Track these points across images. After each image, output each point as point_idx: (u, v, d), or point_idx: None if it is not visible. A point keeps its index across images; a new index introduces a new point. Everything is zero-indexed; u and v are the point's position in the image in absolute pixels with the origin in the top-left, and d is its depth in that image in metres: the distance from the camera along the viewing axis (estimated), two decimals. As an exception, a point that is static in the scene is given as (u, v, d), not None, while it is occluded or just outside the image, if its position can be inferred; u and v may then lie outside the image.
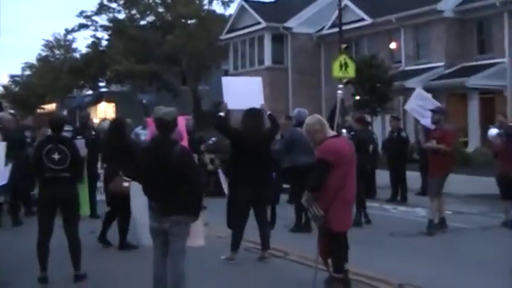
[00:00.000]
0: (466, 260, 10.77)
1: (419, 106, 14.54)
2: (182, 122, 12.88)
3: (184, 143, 11.80)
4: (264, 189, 10.29)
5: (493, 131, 14.26)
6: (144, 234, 8.51)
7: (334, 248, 8.23)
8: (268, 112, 10.69)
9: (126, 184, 10.56)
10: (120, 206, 10.89)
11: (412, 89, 30.06)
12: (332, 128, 9.07)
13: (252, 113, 10.35)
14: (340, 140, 8.39)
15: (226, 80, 11.48)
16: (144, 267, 8.33)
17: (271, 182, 11.09)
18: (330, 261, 8.41)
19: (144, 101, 46.56)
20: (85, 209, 12.27)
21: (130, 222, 10.74)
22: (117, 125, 12.05)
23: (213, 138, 21.34)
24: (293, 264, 10.12)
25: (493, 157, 14.82)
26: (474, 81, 30.60)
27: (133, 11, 53.02)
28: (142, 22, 53.58)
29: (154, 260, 7.50)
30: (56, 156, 8.83)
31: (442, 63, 33.57)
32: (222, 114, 10.52)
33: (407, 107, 14.77)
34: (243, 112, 10.48)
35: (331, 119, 10.45)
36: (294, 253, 10.58)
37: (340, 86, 17.33)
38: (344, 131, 12.58)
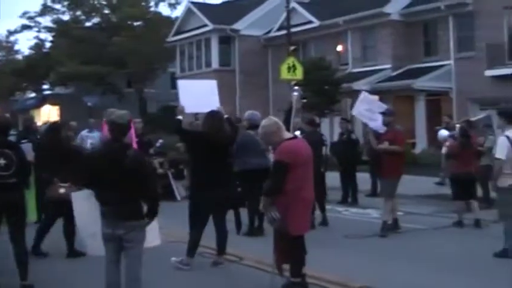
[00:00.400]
0: (421, 259, 10.79)
1: (367, 110, 14.51)
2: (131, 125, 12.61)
3: (134, 146, 11.54)
4: (227, 192, 10.12)
5: (444, 133, 14.33)
6: (89, 243, 8.21)
7: (292, 252, 8.11)
8: (226, 115, 10.51)
9: (62, 190, 10.30)
10: (62, 212, 10.50)
11: (360, 91, 30.52)
12: (288, 130, 8.96)
13: (215, 115, 10.18)
14: (297, 142, 8.30)
15: (182, 83, 11.31)
16: (94, 275, 8.11)
17: (235, 185, 10.92)
18: (287, 265, 8.31)
19: (89, 104, 45.93)
20: (32, 215, 11.90)
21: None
22: (53, 128, 11.66)
23: (161, 141, 21.10)
24: (249, 269, 9.96)
25: (446, 158, 14.90)
26: (420, 83, 30.96)
27: (78, 13, 52.34)
28: (88, 24, 52.97)
29: (107, 267, 7.25)
30: (2, 161, 8.51)
31: (388, 66, 33.89)
32: (180, 117, 10.30)
33: (354, 112, 14.74)
34: (204, 115, 10.30)
35: (287, 121, 10.34)
36: (249, 258, 10.42)
37: (296, 87, 17.28)
38: (298, 132, 12.49)
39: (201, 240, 10.16)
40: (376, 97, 17.50)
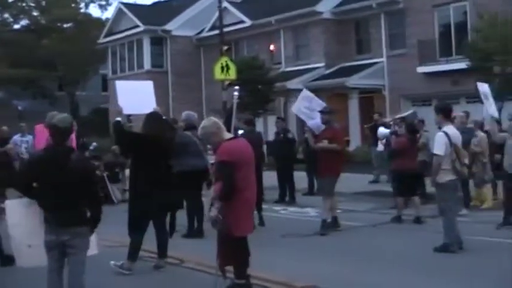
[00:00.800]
0: (362, 257, 10.80)
1: (306, 108, 14.48)
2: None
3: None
4: (169, 195, 9.91)
5: (384, 130, 14.36)
6: (21, 255, 7.86)
7: (235, 253, 7.99)
8: (164, 117, 10.33)
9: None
10: None
11: (294, 90, 30.64)
12: (229, 130, 8.82)
13: (155, 117, 9.99)
14: (238, 142, 8.17)
15: (119, 84, 11.08)
16: (35, 283, 7.86)
17: (175, 188, 10.70)
18: (228, 267, 8.17)
19: (19, 108, 45.01)
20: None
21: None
22: None
23: (94, 144, 20.80)
24: (190, 271, 9.80)
25: (391, 155, 14.94)
26: (354, 81, 31.20)
27: (6, 15, 51.16)
28: (16, 26, 51.87)
29: (49, 277, 6.98)
30: None
31: (322, 64, 34.06)
32: (119, 119, 10.07)
33: (294, 109, 14.69)
34: (137, 116, 10.11)
35: (227, 122, 10.20)
36: (190, 260, 10.26)
37: (236, 87, 17.16)
38: (240, 132, 12.41)
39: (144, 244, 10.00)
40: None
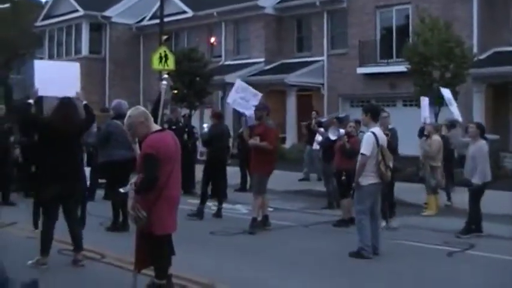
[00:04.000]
0: (293, 259, 10.57)
1: (241, 98, 14.20)
2: None
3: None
4: (76, 184, 9.44)
5: (335, 131, 13.90)
6: None
7: (156, 252, 7.59)
8: (84, 102, 9.81)
9: None
10: None
11: (232, 84, 30.31)
12: (156, 121, 8.38)
13: (66, 103, 9.48)
14: (165, 135, 7.73)
15: (38, 64, 10.48)
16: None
17: (85, 178, 10.24)
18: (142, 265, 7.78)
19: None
20: None
21: None
22: None
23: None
24: (110, 267, 9.39)
25: (349, 155, 14.66)
26: (293, 78, 31.05)
27: None
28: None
29: None
30: None
31: (261, 59, 33.85)
32: (30, 101, 9.55)
33: (229, 100, 14.38)
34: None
35: (154, 113, 9.77)
36: (111, 255, 9.85)
37: (165, 76, 16.76)
38: (205, 125, 12.09)
39: (63, 236, 9.53)
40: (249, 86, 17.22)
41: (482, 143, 12.78)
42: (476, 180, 12.51)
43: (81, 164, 9.91)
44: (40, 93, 9.77)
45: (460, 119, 13.94)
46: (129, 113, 7.85)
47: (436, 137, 15.54)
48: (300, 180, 21.12)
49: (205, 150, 16.57)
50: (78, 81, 10.21)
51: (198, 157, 17.76)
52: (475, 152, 12.58)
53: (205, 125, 23.90)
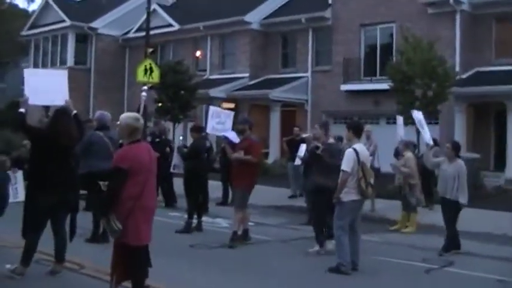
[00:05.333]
0: (269, 273, 10.58)
1: (218, 123, 14.26)
2: None
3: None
4: (70, 194, 9.44)
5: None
6: None
7: (132, 263, 7.58)
8: (74, 111, 9.81)
9: None
10: None
11: (216, 98, 30.41)
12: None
13: (63, 114, 9.49)
14: (139, 146, 7.74)
15: (28, 72, 10.49)
16: None
17: (77, 187, 10.21)
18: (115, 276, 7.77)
19: None
20: None
21: None
22: None
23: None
24: (88, 279, 9.36)
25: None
26: (277, 93, 31.09)
27: None
28: None
29: None
30: None
31: (246, 74, 33.95)
32: (22, 110, 9.52)
33: (208, 129, 14.43)
34: (53, 111, 9.61)
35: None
36: (90, 266, 9.84)
37: (145, 87, 16.80)
38: (181, 137, 12.07)
39: (41, 247, 9.50)
40: (221, 108, 17.28)
41: (462, 162, 12.88)
42: (463, 200, 12.58)
43: (73, 175, 9.84)
44: (30, 102, 9.73)
45: (430, 142, 14.01)
46: (129, 114, 7.92)
47: (409, 154, 15.63)
48: (290, 197, 21.03)
49: (180, 164, 16.59)
50: (67, 89, 10.22)
51: (172, 170, 17.66)
52: (457, 171, 12.60)
53: (181, 137, 23.86)
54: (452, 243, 12.74)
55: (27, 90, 9.85)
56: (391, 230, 15.60)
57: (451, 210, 12.69)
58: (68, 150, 9.46)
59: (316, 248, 12.30)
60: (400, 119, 16.89)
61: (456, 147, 13.06)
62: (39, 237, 9.29)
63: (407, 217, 15.62)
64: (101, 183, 7.72)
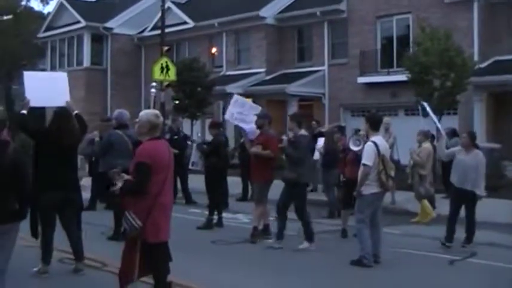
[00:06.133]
0: (293, 268, 10.56)
1: (239, 113, 14.18)
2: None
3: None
4: (73, 193, 9.48)
5: (356, 142, 13.75)
6: None
7: (153, 260, 7.59)
8: (75, 111, 9.85)
9: None
10: None
11: (233, 94, 30.31)
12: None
13: (63, 114, 9.54)
14: (158, 143, 7.76)
15: (27, 75, 10.54)
16: None
17: (79, 186, 10.25)
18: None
19: (-47, 99, 43.84)
20: None
21: None
22: None
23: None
24: (111, 276, 9.34)
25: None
26: (293, 88, 31.03)
27: None
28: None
29: None
30: None
31: (262, 70, 33.88)
32: (24, 112, 9.59)
33: (227, 116, 14.34)
34: (52, 111, 9.65)
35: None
36: (113, 264, 9.82)
37: (154, 84, 16.78)
38: (199, 134, 12.07)
39: (64, 246, 9.56)
40: (249, 100, 17.22)
41: (481, 153, 12.67)
42: (480, 192, 12.35)
43: (77, 173, 9.90)
44: (31, 104, 9.78)
45: (442, 132, 13.85)
46: (148, 111, 8.00)
47: (426, 145, 15.50)
48: (310, 191, 20.94)
49: (198, 161, 16.59)
50: (67, 90, 10.25)
51: (190, 166, 17.67)
52: (477, 162, 12.35)
53: (199, 134, 23.84)
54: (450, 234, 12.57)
55: (28, 93, 9.92)
56: (412, 222, 15.53)
57: (468, 201, 12.44)
58: (70, 149, 9.49)
59: (306, 244, 12.16)
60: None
61: (474, 136, 12.82)
62: (50, 236, 9.37)
63: (425, 208, 15.54)
64: (113, 189, 7.72)
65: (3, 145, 6.70)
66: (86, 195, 17.18)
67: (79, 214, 10.17)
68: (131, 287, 7.67)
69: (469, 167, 12.30)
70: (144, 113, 7.84)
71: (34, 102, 9.84)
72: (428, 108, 14.45)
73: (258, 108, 14.26)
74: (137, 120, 7.79)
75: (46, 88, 9.98)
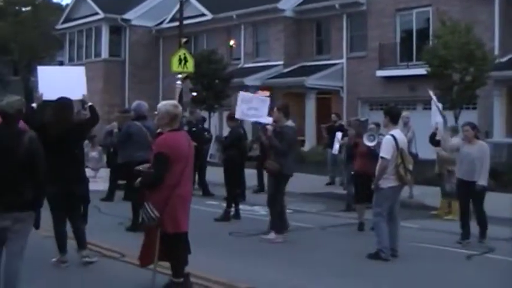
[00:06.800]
0: (303, 260, 10.55)
1: (249, 109, 14.12)
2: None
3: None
4: (73, 186, 9.45)
5: (371, 137, 13.67)
6: None
7: (171, 250, 7.62)
8: (89, 103, 9.86)
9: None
10: None
11: (251, 87, 30.32)
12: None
13: (59, 104, 9.50)
14: (178, 135, 7.79)
15: (42, 70, 10.59)
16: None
17: (85, 178, 10.27)
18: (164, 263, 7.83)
19: (-27, 90, 44.07)
20: None
21: None
22: None
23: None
24: (130, 266, 9.39)
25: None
26: (312, 81, 30.95)
27: (-39, -5, 50.08)
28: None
29: None
30: None
31: (281, 62, 33.80)
32: (33, 105, 9.61)
33: (238, 115, 14.30)
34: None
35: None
36: (131, 254, 9.86)
37: (179, 76, 16.78)
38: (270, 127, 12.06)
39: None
40: (257, 94, 17.15)
41: (484, 143, 12.56)
42: (483, 182, 12.20)
43: (80, 165, 9.88)
44: (45, 98, 9.79)
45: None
46: (169, 101, 8.08)
47: (456, 140, 15.32)
48: (327, 184, 20.97)
49: (216, 153, 16.55)
50: (85, 84, 10.28)
51: (208, 159, 17.68)
52: (481, 153, 12.17)
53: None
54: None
55: (41, 87, 9.96)
56: (432, 214, 15.44)
57: (476, 194, 12.29)
58: (67, 140, 9.42)
59: (272, 235, 12.10)
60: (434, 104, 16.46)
61: (475, 127, 12.65)
62: (61, 225, 9.44)
63: (446, 204, 15.43)
64: (140, 167, 7.76)
65: (19, 134, 6.76)
66: (105, 186, 17.34)
67: (85, 206, 10.21)
68: (152, 277, 7.73)
69: (476, 159, 12.15)
70: (162, 105, 7.89)
71: (49, 96, 9.87)
72: (434, 97, 14.40)
73: (267, 100, 14.22)
74: (156, 112, 7.82)
75: (62, 82, 10.01)
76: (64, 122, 9.34)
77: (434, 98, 14.70)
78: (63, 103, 9.54)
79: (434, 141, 14.90)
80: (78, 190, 9.64)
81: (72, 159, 9.47)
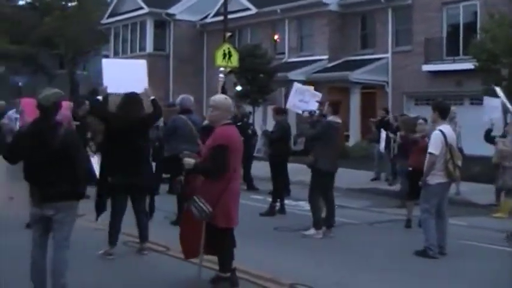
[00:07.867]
0: (350, 256, 10.50)
1: (301, 101, 14.09)
2: (66, 106, 11.90)
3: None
4: (139, 176, 9.56)
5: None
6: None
7: (220, 245, 7.60)
8: (152, 97, 9.98)
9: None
10: None
11: (295, 81, 30.17)
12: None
13: (129, 98, 9.72)
14: (232, 128, 7.80)
15: (106, 62, 10.77)
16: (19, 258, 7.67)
17: (150, 171, 10.36)
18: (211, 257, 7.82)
19: (19, 84, 44.69)
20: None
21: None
22: None
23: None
24: (175, 260, 9.41)
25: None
26: (356, 75, 30.73)
27: (10, -10, 50.89)
28: (21, 2, 51.49)
29: (33, 249, 6.99)
30: None
31: (325, 57, 33.60)
32: (99, 97, 9.80)
33: (289, 105, 14.29)
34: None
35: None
36: (176, 248, 9.85)
37: (222, 69, 16.80)
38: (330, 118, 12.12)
39: (126, 229, 9.75)
40: (310, 87, 17.05)
41: None
42: None
43: (146, 157, 10.03)
44: (109, 91, 9.94)
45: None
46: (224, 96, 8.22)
47: None
48: (373, 179, 20.80)
49: (262, 148, 16.48)
50: (146, 78, 10.41)
51: (256, 153, 17.66)
52: None
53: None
54: None
55: (106, 80, 10.07)
56: (495, 216, 15.03)
57: None
58: (136, 133, 9.56)
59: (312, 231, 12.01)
60: (489, 100, 16.06)
61: None
62: (119, 219, 9.57)
63: (508, 202, 15.05)
64: (184, 157, 7.74)
65: (54, 126, 6.82)
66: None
67: (151, 199, 10.29)
68: (198, 271, 7.72)
69: None
70: (220, 98, 7.91)
71: (113, 89, 10.01)
72: (501, 94, 14.12)
73: (319, 95, 14.15)
74: (211, 105, 7.84)
75: (125, 75, 10.13)
76: (129, 116, 9.41)
77: (502, 95, 14.37)
78: (133, 97, 9.64)
79: (489, 137, 14.63)
80: (141, 182, 9.70)
81: (135, 151, 9.57)
